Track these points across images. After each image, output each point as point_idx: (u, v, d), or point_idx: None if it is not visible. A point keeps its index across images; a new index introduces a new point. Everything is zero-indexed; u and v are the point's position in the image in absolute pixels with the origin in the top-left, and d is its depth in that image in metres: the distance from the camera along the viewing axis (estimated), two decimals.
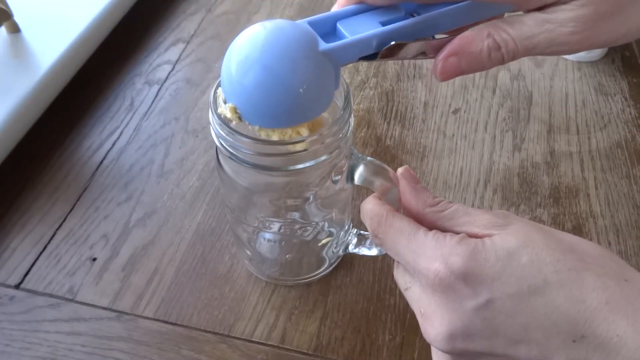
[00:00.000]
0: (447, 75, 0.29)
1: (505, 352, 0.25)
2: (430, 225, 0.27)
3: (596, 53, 0.58)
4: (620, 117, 0.53)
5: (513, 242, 0.25)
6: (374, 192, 0.34)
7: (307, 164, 0.31)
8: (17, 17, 0.54)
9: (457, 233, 0.26)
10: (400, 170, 0.30)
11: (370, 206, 0.29)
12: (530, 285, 0.24)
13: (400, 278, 0.29)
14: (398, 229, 0.27)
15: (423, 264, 0.26)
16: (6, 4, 0.53)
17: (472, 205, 0.45)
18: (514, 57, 0.28)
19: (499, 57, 0.28)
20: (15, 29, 0.54)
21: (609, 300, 0.23)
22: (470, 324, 0.25)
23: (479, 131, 0.52)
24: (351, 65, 0.58)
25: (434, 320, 0.26)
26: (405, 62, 0.59)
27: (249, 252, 0.40)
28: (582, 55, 0.58)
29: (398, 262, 0.29)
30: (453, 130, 0.52)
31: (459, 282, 0.25)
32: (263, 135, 0.29)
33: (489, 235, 0.26)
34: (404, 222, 0.28)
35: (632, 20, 0.28)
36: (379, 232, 0.28)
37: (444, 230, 0.27)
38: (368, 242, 0.39)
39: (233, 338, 0.38)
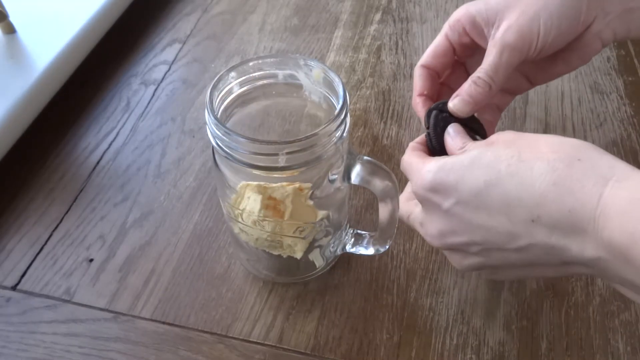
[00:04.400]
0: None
1: (484, 238, 0.29)
2: None
3: None
4: (616, 115, 0.53)
5: (479, 148, 0.30)
6: (371, 191, 0.34)
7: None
8: (13, 18, 0.54)
9: None
10: (450, 128, 0.35)
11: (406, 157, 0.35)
12: (486, 180, 0.28)
13: (404, 206, 0.36)
14: (408, 159, 0.34)
15: (412, 186, 0.33)
16: (2, 5, 0.52)
17: None
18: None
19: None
20: (10, 30, 0.54)
21: (556, 181, 0.26)
22: (449, 222, 0.31)
23: None
24: (348, 64, 0.59)
25: (427, 226, 0.33)
26: (402, 61, 0.59)
27: (246, 252, 0.40)
28: None
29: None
30: None
31: (431, 193, 0.31)
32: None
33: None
34: (414, 153, 0.35)
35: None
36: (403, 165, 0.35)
37: None
38: (365, 241, 0.39)
39: (230, 338, 0.38)
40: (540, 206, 0.26)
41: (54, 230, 0.44)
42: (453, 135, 0.34)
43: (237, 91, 0.35)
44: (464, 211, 0.29)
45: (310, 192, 0.35)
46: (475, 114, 0.36)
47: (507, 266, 0.31)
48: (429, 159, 0.33)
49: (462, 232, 0.30)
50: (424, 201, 0.32)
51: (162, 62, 0.60)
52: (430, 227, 0.32)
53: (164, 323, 0.39)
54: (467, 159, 0.30)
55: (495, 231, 0.29)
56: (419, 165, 0.32)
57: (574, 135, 0.51)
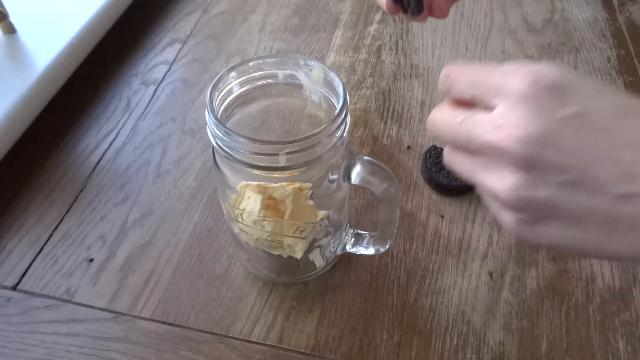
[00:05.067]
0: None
1: (587, 167, 0.23)
2: None
3: None
4: None
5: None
6: (371, 191, 0.34)
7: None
8: (13, 18, 0.54)
9: None
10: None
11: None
12: (625, 107, 0.23)
13: (447, 114, 0.27)
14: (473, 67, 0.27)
15: (511, 80, 0.24)
16: (2, 5, 0.52)
17: (469, 205, 0.45)
18: None
19: None
20: (11, 30, 0.54)
21: None
22: (557, 129, 0.23)
23: None
24: (348, 64, 0.59)
25: (515, 125, 0.23)
26: (402, 61, 0.59)
27: (246, 252, 0.40)
28: None
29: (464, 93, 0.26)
30: None
31: (548, 93, 0.23)
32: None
33: None
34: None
35: None
36: (455, 73, 0.27)
37: None
38: (365, 241, 0.39)
39: (231, 338, 0.38)
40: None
41: (54, 230, 0.44)
42: None
43: (237, 91, 0.35)
44: (586, 128, 0.23)
45: (311, 192, 0.35)
46: None
47: (578, 220, 0.23)
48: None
49: (564, 150, 0.22)
50: (533, 98, 0.23)
51: (162, 62, 0.60)
52: (519, 125, 0.23)
53: (164, 323, 0.39)
54: (598, 82, 0.24)
55: (608, 169, 0.22)
56: (515, 68, 0.24)
57: None
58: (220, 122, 0.30)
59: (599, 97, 0.23)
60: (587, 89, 0.23)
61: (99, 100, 0.55)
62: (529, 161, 0.23)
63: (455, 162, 0.27)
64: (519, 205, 0.24)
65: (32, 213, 0.46)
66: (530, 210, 0.24)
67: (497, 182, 0.24)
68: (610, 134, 0.22)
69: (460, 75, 0.27)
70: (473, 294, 0.40)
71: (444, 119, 0.27)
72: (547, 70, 0.23)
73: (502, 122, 0.24)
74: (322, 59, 0.60)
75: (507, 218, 0.25)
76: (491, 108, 0.25)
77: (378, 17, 0.65)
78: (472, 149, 0.25)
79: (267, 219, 0.35)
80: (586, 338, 0.38)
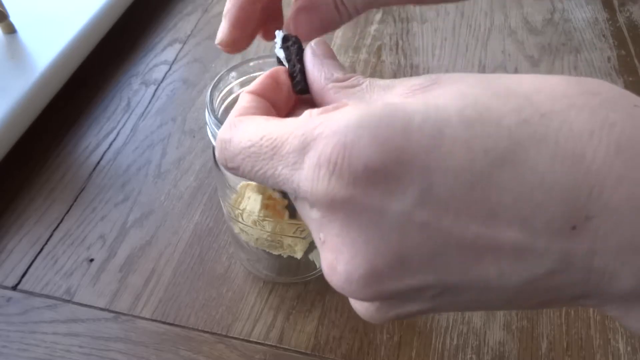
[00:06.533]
0: (304, 32, 0.26)
1: (462, 277, 0.16)
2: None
3: None
4: None
5: (447, 97, 0.16)
6: None
7: None
8: (13, 18, 0.54)
9: None
10: (312, 42, 0.24)
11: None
12: (487, 149, 0.15)
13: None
14: (245, 128, 0.19)
15: (303, 176, 0.16)
16: (2, 5, 0.52)
17: None
18: (356, 11, 0.26)
19: (344, 11, 0.26)
20: (11, 30, 0.54)
21: (619, 144, 0.14)
22: (401, 242, 0.15)
23: None
24: (348, 65, 0.59)
25: (343, 252, 0.16)
26: (402, 61, 0.59)
27: (246, 252, 0.40)
28: None
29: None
30: None
31: (363, 186, 0.15)
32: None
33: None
34: (254, 118, 0.19)
35: None
36: (226, 152, 0.19)
37: None
38: None
39: (231, 338, 0.38)
40: (596, 197, 0.14)
41: (54, 230, 0.44)
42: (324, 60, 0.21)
43: (237, 91, 0.35)
44: (440, 214, 0.15)
45: None
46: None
47: (481, 306, 0.18)
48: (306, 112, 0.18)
49: (422, 265, 0.16)
50: (343, 204, 0.16)
51: (162, 62, 0.60)
52: (350, 256, 0.16)
53: (164, 323, 0.39)
54: (433, 110, 0.15)
55: (492, 266, 0.16)
56: (307, 124, 0.17)
57: None
58: (221, 122, 0.30)
59: (447, 147, 0.15)
60: (421, 138, 0.15)
61: (99, 100, 0.55)
62: (382, 296, 0.17)
63: None
64: (381, 314, 0.19)
65: (32, 213, 0.46)
66: (387, 320, 0.19)
67: (356, 304, 0.19)
68: (477, 206, 0.15)
69: (235, 160, 0.19)
70: None
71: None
72: (352, 146, 0.15)
73: (324, 239, 0.17)
74: None
75: (361, 308, 0.19)
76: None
77: (378, 17, 0.65)
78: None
79: (267, 219, 0.35)
80: (586, 338, 0.38)
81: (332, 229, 0.16)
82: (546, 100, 0.15)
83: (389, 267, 0.16)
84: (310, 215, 0.18)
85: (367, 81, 0.20)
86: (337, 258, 0.16)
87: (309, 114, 0.17)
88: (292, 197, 0.20)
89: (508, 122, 0.15)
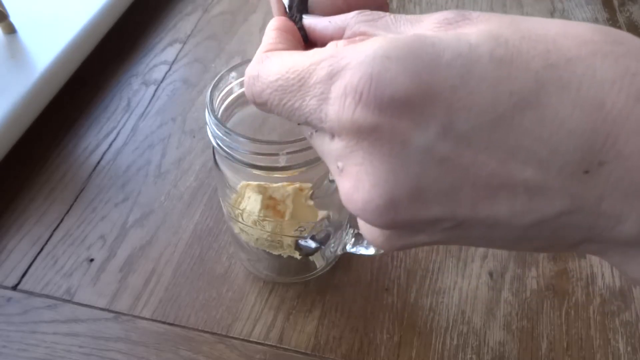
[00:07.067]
0: None
1: (475, 212, 0.16)
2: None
3: None
4: None
5: (475, 34, 0.16)
6: None
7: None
8: (13, 18, 0.54)
9: None
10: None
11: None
12: (513, 92, 0.15)
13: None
14: (277, 61, 0.19)
15: (331, 101, 0.17)
16: (2, 5, 0.52)
17: None
18: None
19: None
20: (11, 30, 0.54)
21: (638, 95, 0.14)
22: (421, 175, 0.16)
23: None
24: None
25: (363, 180, 0.17)
26: None
27: (246, 252, 0.40)
28: None
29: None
30: None
31: (389, 114, 0.15)
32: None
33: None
34: (280, 53, 0.19)
35: None
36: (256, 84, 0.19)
37: None
38: (365, 241, 0.39)
39: (231, 338, 0.38)
40: (612, 143, 0.14)
41: (54, 230, 0.44)
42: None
43: (237, 91, 0.35)
44: (461, 150, 0.16)
45: (311, 192, 0.35)
46: None
47: (485, 243, 0.18)
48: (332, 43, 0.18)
49: (439, 198, 0.16)
50: (367, 133, 0.16)
51: (162, 62, 0.60)
52: (370, 184, 0.17)
53: (164, 323, 0.39)
54: (463, 45, 0.15)
55: (505, 203, 0.16)
56: (334, 55, 0.17)
57: None
58: (221, 122, 0.30)
59: (472, 85, 0.15)
60: (447, 74, 0.15)
61: (99, 100, 0.55)
62: (395, 226, 0.17)
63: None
64: (394, 242, 0.19)
65: (33, 213, 0.46)
66: (402, 248, 0.20)
67: (366, 230, 0.20)
68: (497, 147, 0.15)
69: (266, 92, 0.19)
70: (473, 294, 0.40)
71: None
72: (379, 77, 0.15)
73: (343, 167, 0.17)
74: None
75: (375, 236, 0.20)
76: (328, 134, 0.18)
77: None
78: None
79: (267, 219, 0.35)
80: (586, 338, 0.38)
81: (353, 157, 0.17)
82: (573, 45, 0.15)
83: (407, 197, 0.16)
84: (331, 147, 0.18)
85: (392, 15, 0.19)
86: (357, 186, 0.17)
87: (334, 45, 0.18)
88: (308, 135, 0.20)
89: (535, 66, 0.15)
